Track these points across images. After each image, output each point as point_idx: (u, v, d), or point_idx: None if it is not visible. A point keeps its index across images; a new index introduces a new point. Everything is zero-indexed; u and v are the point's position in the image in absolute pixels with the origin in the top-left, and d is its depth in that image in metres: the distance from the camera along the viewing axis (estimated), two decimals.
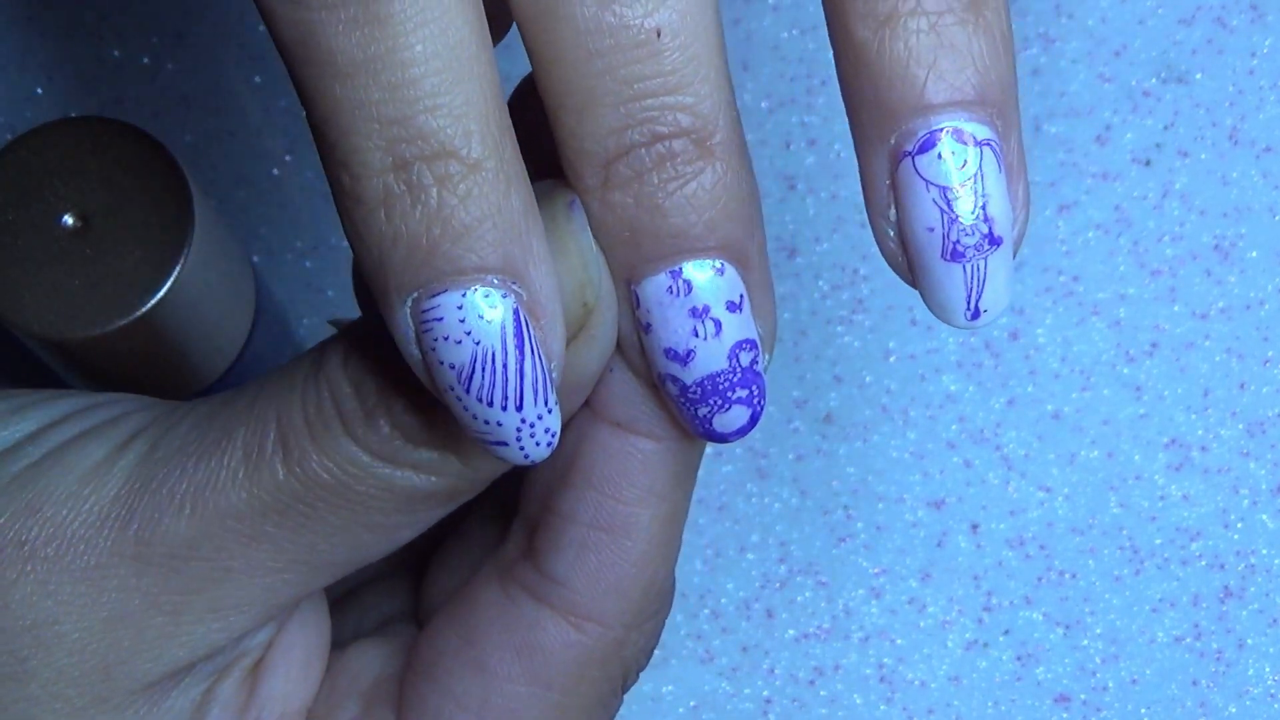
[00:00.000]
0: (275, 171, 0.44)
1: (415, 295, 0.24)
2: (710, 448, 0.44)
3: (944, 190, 0.24)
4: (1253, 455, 0.44)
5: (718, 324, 0.26)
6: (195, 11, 0.45)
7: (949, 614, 0.44)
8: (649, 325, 0.26)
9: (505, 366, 0.25)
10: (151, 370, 0.37)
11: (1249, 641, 0.44)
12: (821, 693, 0.44)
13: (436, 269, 0.24)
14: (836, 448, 0.44)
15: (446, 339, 0.24)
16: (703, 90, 0.25)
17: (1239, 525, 0.44)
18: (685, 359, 0.26)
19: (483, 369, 0.25)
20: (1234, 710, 0.44)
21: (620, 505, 0.28)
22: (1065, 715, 0.44)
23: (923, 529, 0.44)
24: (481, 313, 0.24)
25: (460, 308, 0.24)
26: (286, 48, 0.24)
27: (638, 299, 0.26)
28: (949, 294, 0.25)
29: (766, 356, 0.27)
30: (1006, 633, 0.44)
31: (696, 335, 0.26)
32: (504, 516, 0.31)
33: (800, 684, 0.44)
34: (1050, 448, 0.44)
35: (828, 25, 0.25)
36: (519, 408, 0.25)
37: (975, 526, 0.44)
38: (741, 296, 0.26)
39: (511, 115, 0.26)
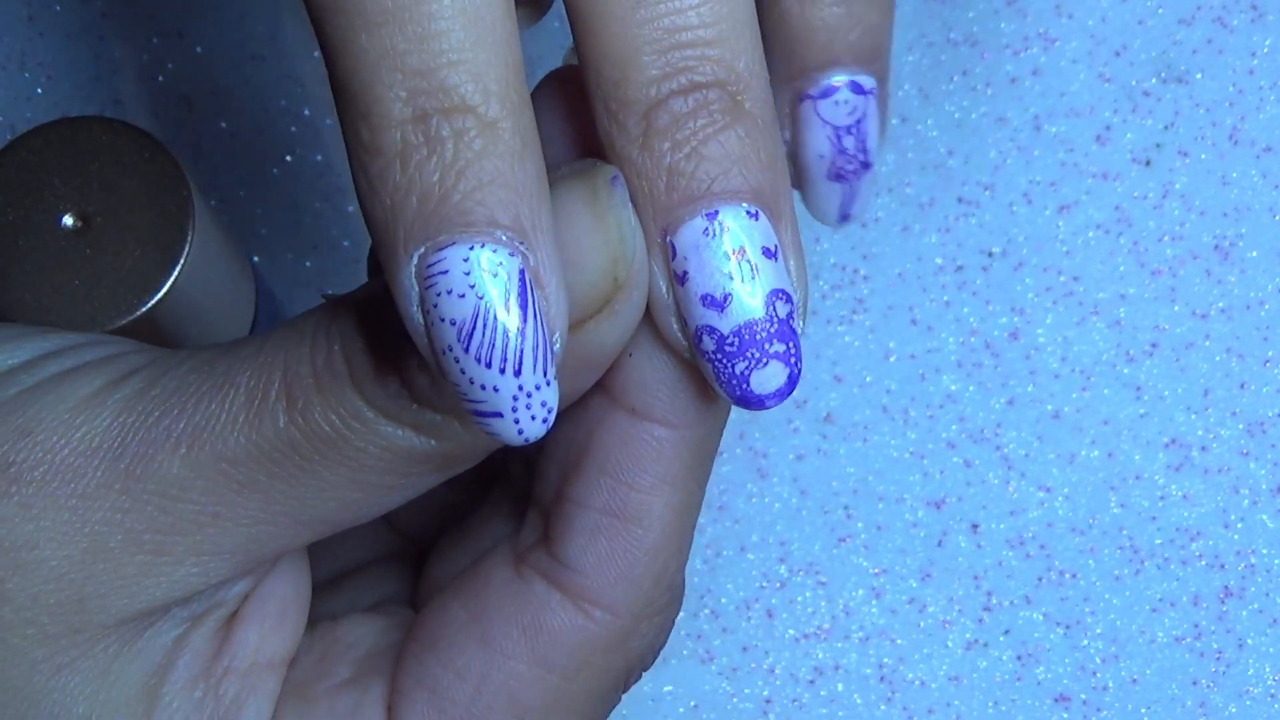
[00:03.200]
0: (275, 171, 0.44)
1: (422, 250, 0.24)
2: None
3: (835, 129, 0.29)
4: (1253, 455, 0.44)
5: (753, 267, 0.26)
6: (195, 11, 0.45)
7: (949, 614, 0.44)
8: (685, 273, 0.27)
9: (507, 327, 0.25)
10: None
11: (1249, 641, 0.44)
12: (821, 693, 0.44)
13: (446, 219, 0.24)
14: (836, 448, 0.44)
15: (449, 292, 0.24)
16: (738, 48, 0.26)
17: (1239, 525, 0.44)
18: (723, 304, 0.26)
19: (484, 326, 0.25)
20: (1234, 710, 0.44)
21: (633, 492, 0.28)
22: (1065, 715, 0.44)
23: (923, 529, 0.44)
24: (487, 267, 0.24)
25: (466, 260, 0.24)
26: (316, 1, 0.25)
27: (674, 249, 0.26)
28: (828, 205, 0.30)
29: (802, 322, 0.27)
30: (1006, 633, 0.44)
31: (733, 278, 0.26)
32: (512, 507, 0.31)
33: (800, 684, 0.44)
34: (1050, 448, 0.44)
35: None
36: (517, 373, 0.25)
37: (975, 526, 0.44)
38: (776, 246, 0.27)
39: (538, 103, 0.27)
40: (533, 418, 0.25)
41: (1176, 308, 0.44)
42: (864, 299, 0.44)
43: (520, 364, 0.25)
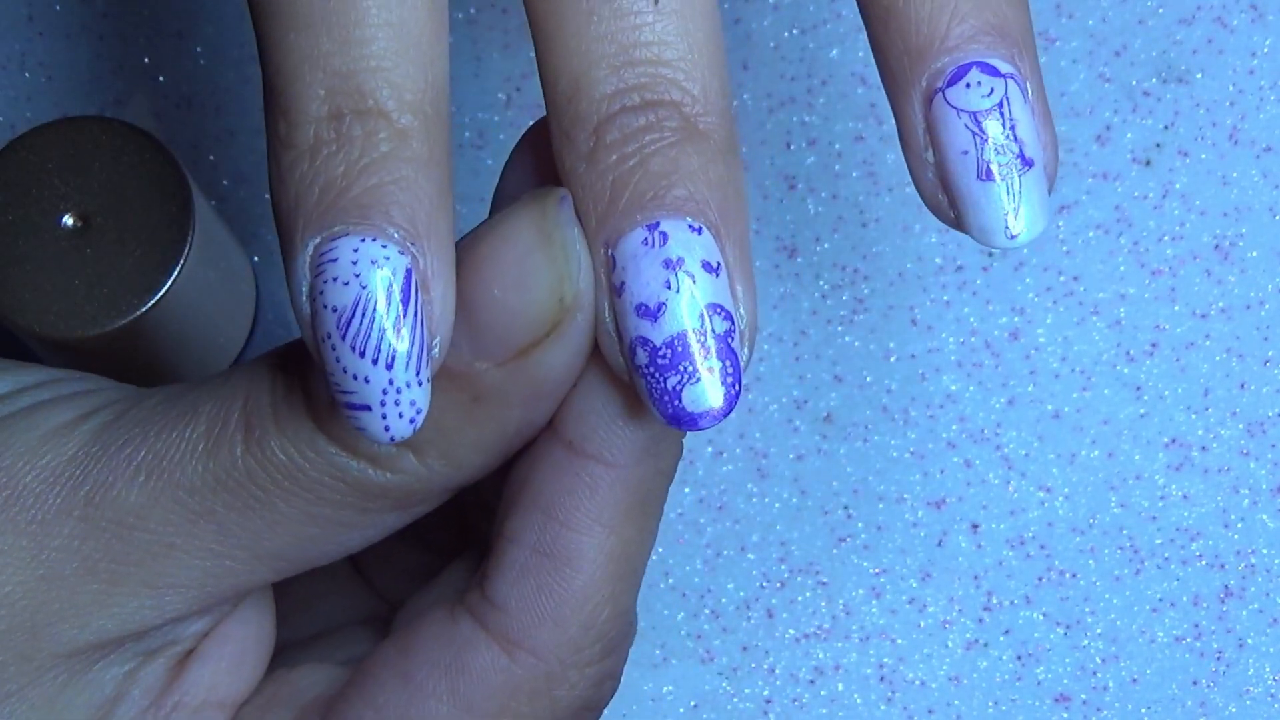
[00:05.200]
0: None
1: (317, 240, 0.25)
2: (711, 446, 0.44)
3: (974, 115, 0.26)
4: (1253, 455, 0.44)
5: (691, 277, 0.26)
6: (195, 11, 0.45)
7: (949, 614, 0.44)
8: (622, 284, 0.26)
9: (385, 319, 0.25)
10: (151, 370, 0.37)
11: (1249, 641, 0.44)
12: (821, 693, 0.44)
13: (343, 210, 0.25)
14: (836, 448, 0.44)
15: (335, 279, 0.25)
16: (695, 71, 0.26)
17: (1239, 525, 0.44)
18: (655, 313, 0.26)
19: (362, 315, 0.25)
20: (1234, 710, 0.44)
21: (564, 530, 0.28)
22: (1065, 715, 0.44)
23: (923, 529, 0.44)
24: (374, 258, 0.25)
25: (355, 250, 0.25)
26: (257, 10, 0.25)
27: (614, 261, 0.26)
28: (987, 214, 0.26)
29: (745, 349, 0.26)
30: (1006, 633, 0.44)
31: (668, 287, 0.26)
32: (477, 564, 0.31)
33: (800, 684, 0.44)
34: (1050, 448, 0.44)
35: None
36: (389, 366, 0.25)
37: (975, 526, 0.44)
38: (719, 264, 0.26)
39: (523, 149, 0.27)
40: (400, 415, 0.25)
41: (1176, 308, 0.44)
42: (864, 299, 0.44)
43: (393, 359, 0.25)
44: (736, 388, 0.26)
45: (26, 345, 0.36)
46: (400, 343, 0.25)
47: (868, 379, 0.44)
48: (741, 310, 0.26)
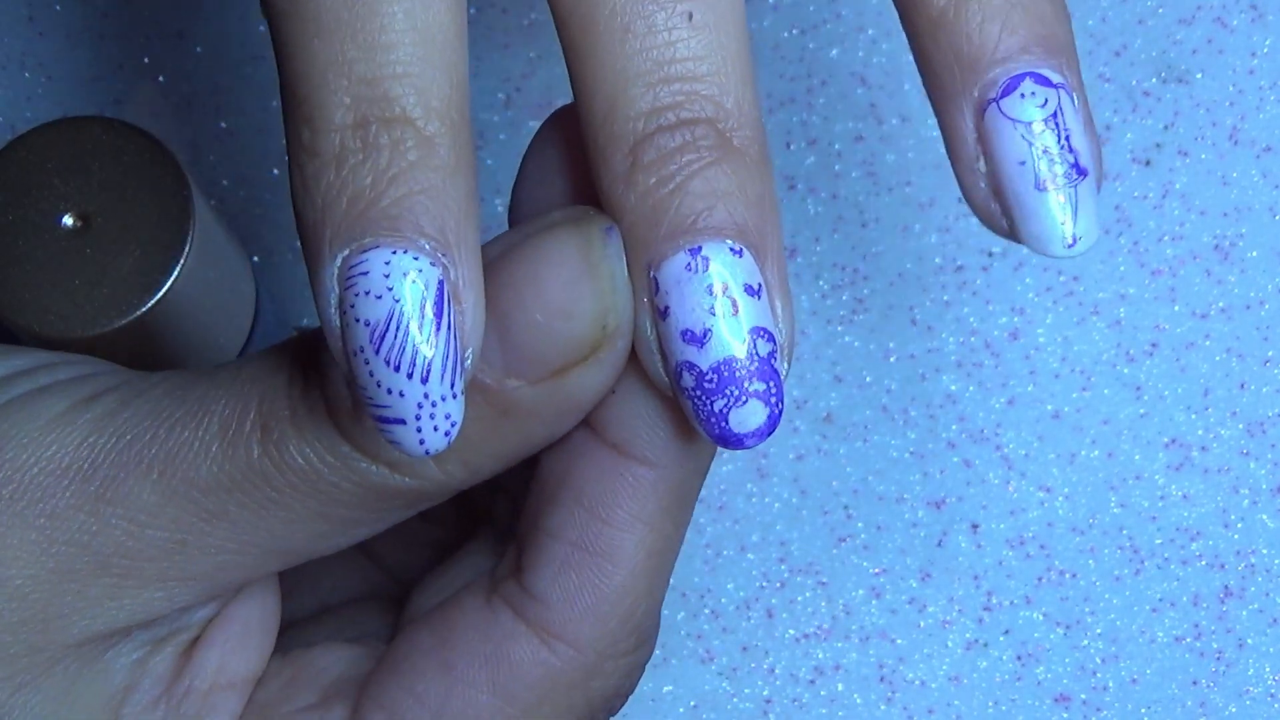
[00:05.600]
0: (275, 171, 0.44)
1: (346, 252, 0.25)
2: None
3: (1029, 125, 0.26)
4: (1253, 455, 0.44)
5: (734, 303, 0.26)
6: (195, 11, 0.45)
7: (949, 614, 0.44)
8: (667, 308, 0.26)
9: (419, 333, 0.25)
10: (151, 370, 0.37)
11: (1249, 641, 0.44)
12: (821, 693, 0.44)
13: (372, 222, 0.25)
14: (836, 448, 0.44)
15: (367, 293, 0.25)
16: (728, 85, 0.26)
17: (1239, 525, 0.44)
18: (702, 339, 0.26)
19: (396, 329, 0.25)
20: (1234, 710, 0.44)
21: (606, 527, 0.28)
22: (1065, 715, 0.44)
23: (923, 529, 0.44)
24: (407, 271, 0.25)
25: (387, 263, 0.25)
26: (273, 3, 0.25)
27: (657, 284, 0.26)
28: (1045, 224, 0.27)
29: (785, 364, 0.27)
30: (1006, 633, 0.44)
31: (713, 313, 0.26)
32: (495, 544, 0.31)
33: (800, 684, 0.44)
34: (1050, 448, 0.44)
35: (896, 4, 0.27)
36: (424, 379, 0.25)
37: (975, 526, 0.44)
38: (760, 285, 0.26)
39: (542, 140, 0.28)
40: (435, 428, 0.25)
41: (1176, 308, 0.44)
42: (864, 299, 0.44)
43: (428, 372, 0.25)
44: (780, 406, 0.27)
45: (26, 345, 0.36)
46: (435, 356, 0.25)
47: (868, 379, 0.44)
48: (781, 328, 0.27)
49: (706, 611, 0.44)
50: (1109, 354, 0.44)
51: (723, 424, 0.26)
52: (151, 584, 0.28)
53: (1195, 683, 0.44)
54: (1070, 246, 0.27)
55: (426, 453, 0.25)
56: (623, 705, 0.30)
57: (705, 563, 0.44)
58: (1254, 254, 0.44)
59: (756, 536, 0.44)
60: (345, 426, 0.27)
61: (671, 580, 0.44)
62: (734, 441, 0.27)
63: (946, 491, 0.44)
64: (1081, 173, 0.27)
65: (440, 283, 0.25)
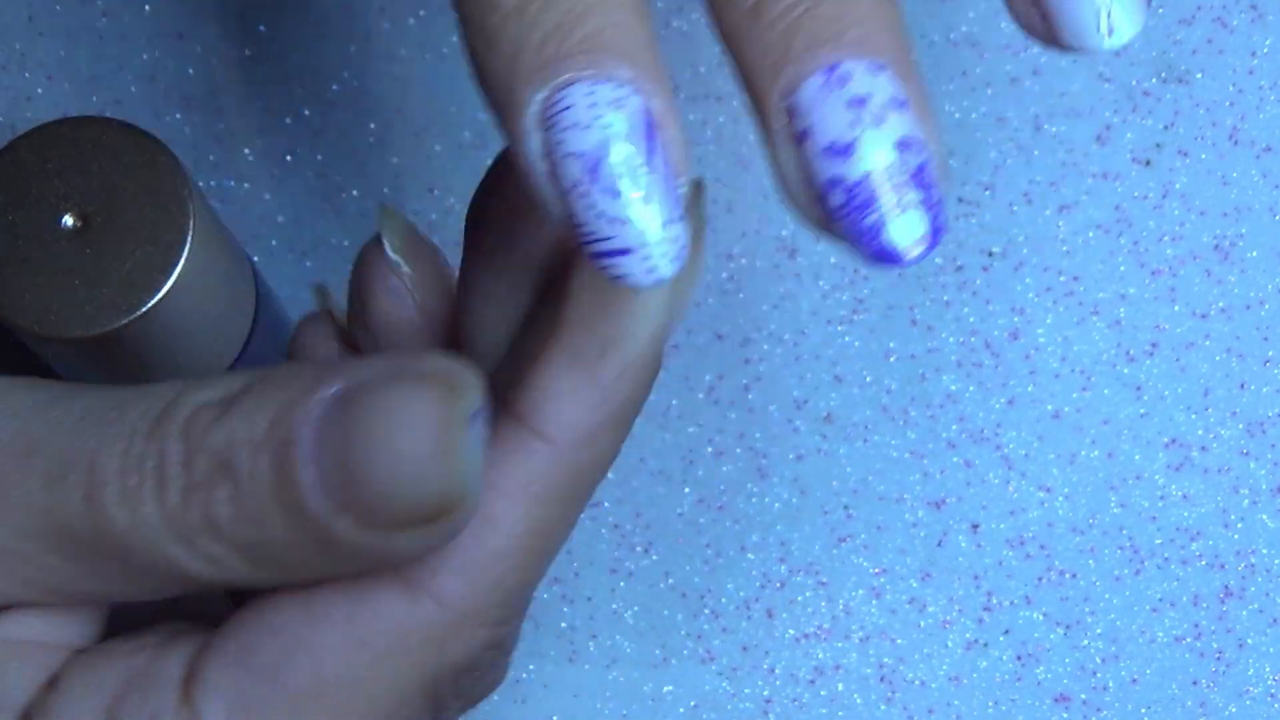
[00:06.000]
0: (275, 171, 0.44)
1: (544, 93, 0.25)
2: (711, 446, 0.44)
3: None
4: (1253, 455, 0.44)
5: (879, 116, 0.25)
6: (195, 11, 0.45)
7: (949, 614, 0.44)
8: (805, 130, 0.25)
9: (647, 155, 0.25)
10: (152, 370, 0.37)
11: (1249, 641, 0.44)
12: (821, 693, 0.44)
13: (569, 57, 0.25)
14: (836, 448, 0.44)
15: (574, 125, 0.24)
16: None
17: (1239, 525, 0.44)
18: (847, 150, 0.25)
19: (616, 151, 0.25)
20: (1234, 710, 0.44)
21: (491, 492, 0.28)
22: (1065, 715, 0.44)
23: (923, 529, 0.44)
24: (619, 98, 0.24)
25: (591, 94, 0.24)
26: None
27: (793, 110, 0.25)
28: (1079, 17, 0.25)
29: (941, 180, 0.25)
30: (1006, 633, 0.44)
31: (857, 124, 0.25)
32: None
33: (800, 684, 0.44)
34: (1050, 448, 0.44)
35: None
36: (649, 201, 0.25)
37: (975, 526, 0.44)
38: (905, 100, 0.25)
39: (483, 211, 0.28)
40: (666, 255, 0.25)
41: (1176, 308, 0.44)
42: (864, 299, 0.44)
43: (658, 193, 0.25)
44: (942, 218, 0.25)
45: (28, 345, 0.36)
46: (655, 178, 0.24)
47: (868, 379, 0.44)
48: (934, 143, 0.25)
49: (706, 611, 0.44)
50: (1109, 354, 0.44)
51: (877, 240, 0.25)
52: None
53: (1195, 683, 0.44)
54: (1111, 32, 0.25)
55: (657, 281, 0.25)
56: (477, 693, 0.30)
57: (705, 563, 0.44)
58: (1254, 254, 0.44)
59: (756, 536, 0.44)
60: (172, 510, 0.26)
61: (671, 580, 0.44)
62: (892, 257, 0.25)
63: (946, 491, 0.44)
64: None
65: (646, 109, 0.25)
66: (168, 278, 0.35)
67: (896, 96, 0.25)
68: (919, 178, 0.25)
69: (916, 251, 0.25)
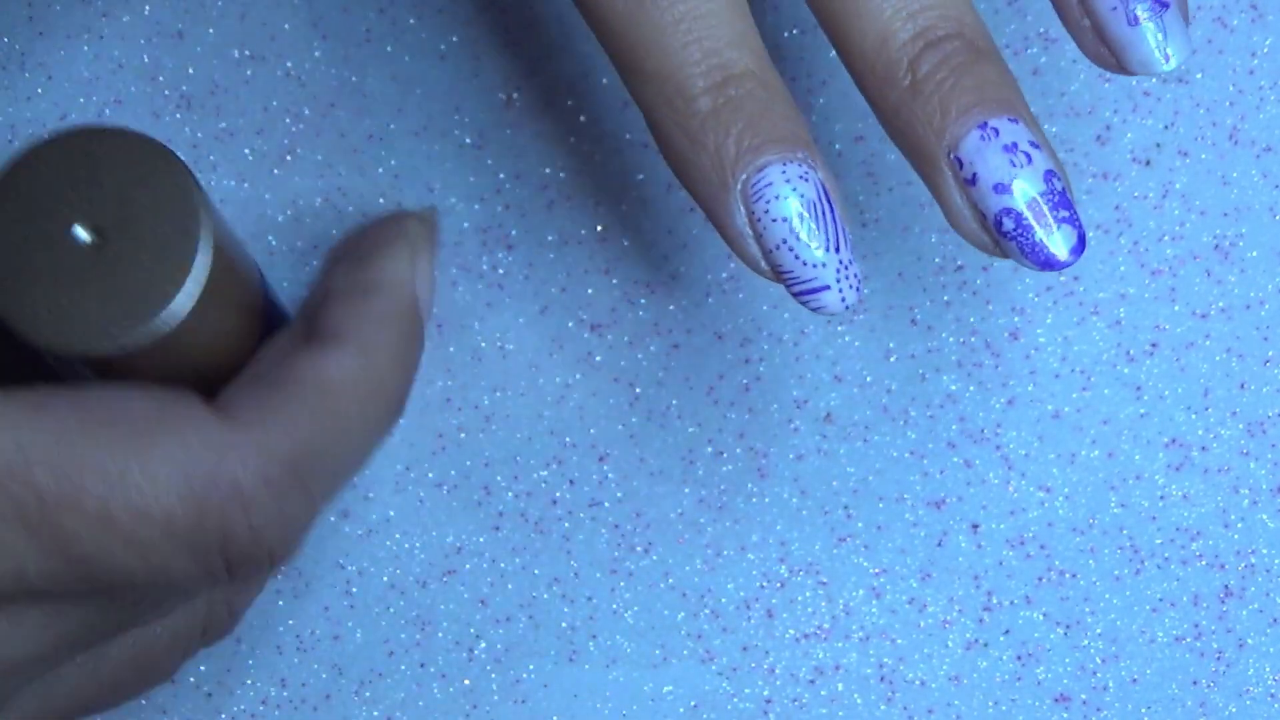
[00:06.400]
0: (275, 171, 0.44)
1: (744, 176, 0.33)
2: (711, 446, 0.44)
3: None
4: (1253, 455, 0.44)
5: (1028, 155, 0.33)
6: (195, 11, 0.45)
7: (949, 614, 0.44)
8: (974, 175, 0.33)
9: (826, 214, 0.33)
10: (166, 380, 0.37)
11: (1249, 641, 0.44)
12: (822, 692, 0.44)
13: (763, 147, 0.33)
14: (836, 448, 0.44)
15: (778, 197, 0.33)
16: (962, 6, 0.34)
17: (1239, 525, 0.44)
18: (1010, 187, 0.33)
19: (810, 213, 0.33)
20: (1234, 710, 0.44)
21: (290, 372, 0.34)
22: (1065, 715, 0.44)
23: (923, 529, 0.44)
24: (803, 173, 0.33)
25: (784, 171, 0.33)
26: (611, 20, 0.34)
27: (960, 162, 0.33)
28: (1143, 51, 0.34)
29: (1072, 198, 0.34)
30: (1006, 633, 0.44)
31: (1014, 165, 0.33)
32: None
33: (800, 684, 0.44)
34: (1050, 448, 0.44)
35: None
36: (838, 249, 0.33)
37: (975, 526, 0.44)
38: (1037, 142, 0.33)
39: None
40: (853, 287, 0.34)
41: (1176, 308, 0.44)
42: (864, 299, 0.44)
43: (839, 241, 0.34)
44: (1083, 229, 0.34)
45: (46, 360, 0.36)
46: (839, 230, 0.34)
47: (868, 379, 0.44)
48: (1063, 173, 0.34)
49: (706, 611, 0.44)
50: (1109, 354, 0.44)
51: (1044, 254, 0.33)
52: None
53: (1195, 683, 0.44)
54: (1168, 60, 0.34)
55: (846, 307, 0.34)
56: (249, 562, 0.32)
57: (705, 563, 0.44)
58: (1254, 254, 0.44)
59: (756, 536, 0.44)
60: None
61: (671, 580, 0.44)
62: (1059, 264, 0.33)
63: (946, 491, 0.44)
64: (1163, 5, 0.34)
65: (820, 181, 0.34)
66: (179, 289, 0.35)
67: (1033, 140, 0.33)
68: (1063, 200, 0.33)
69: (1072, 257, 0.33)
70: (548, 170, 0.44)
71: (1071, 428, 0.44)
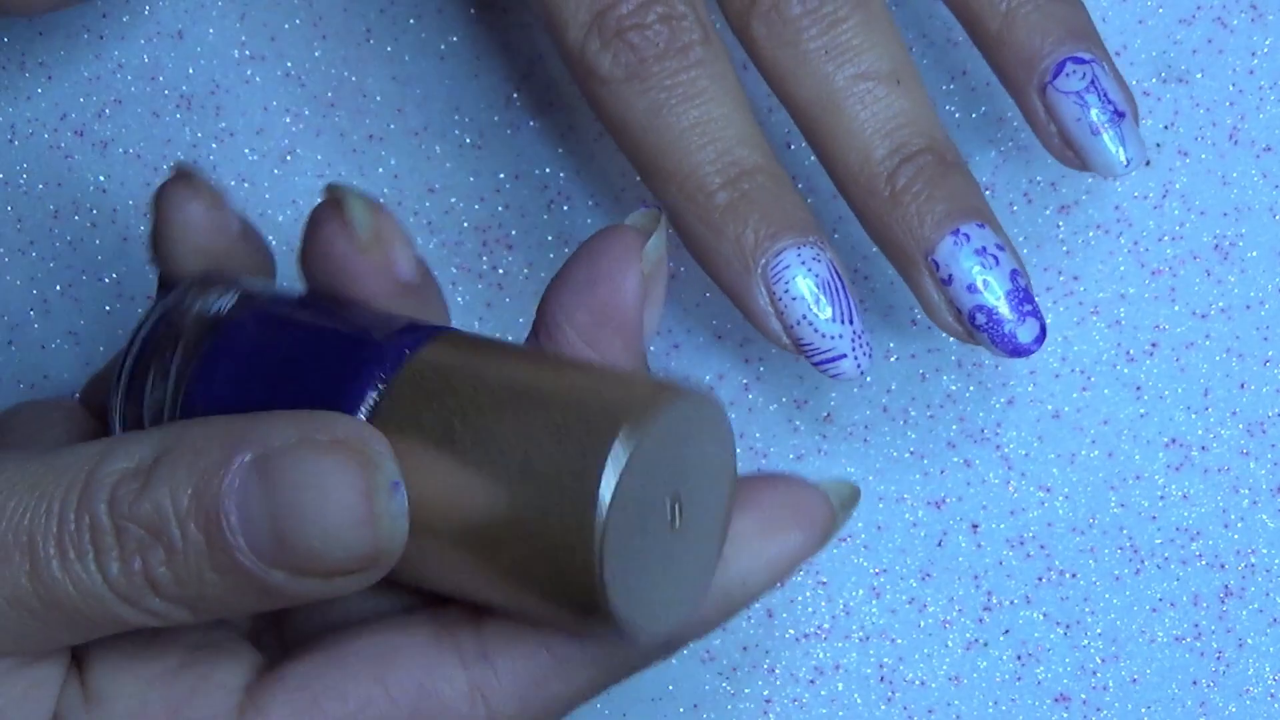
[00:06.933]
0: (276, 171, 0.44)
1: (764, 261, 0.37)
2: None
3: (1077, 93, 0.38)
4: (1253, 455, 0.44)
5: (995, 258, 0.37)
6: (195, 11, 0.45)
7: (949, 614, 0.44)
8: (950, 276, 0.37)
9: (838, 291, 0.37)
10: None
11: (1249, 641, 0.44)
12: (822, 693, 0.44)
13: (780, 234, 0.37)
14: (836, 448, 0.44)
15: (795, 277, 0.37)
16: (932, 122, 0.38)
17: (1239, 525, 0.44)
18: (984, 286, 0.37)
19: (825, 290, 0.37)
20: (1234, 710, 0.44)
21: (565, 646, 0.30)
22: (1065, 715, 0.44)
23: (923, 529, 0.44)
24: (815, 255, 0.37)
25: (799, 254, 0.37)
26: (630, 128, 0.38)
27: (937, 265, 0.37)
28: (1105, 157, 0.38)
29: (1031, 291, 0.38)
30: (1006, 632, 0.44)
31: (984, 267, 0.37)
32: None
33: (800, 684, 0.44)
34: (1050, 447, 0.44)
35: (959, 19, 0.39)
36: (851, 321, 0.38)
37: (975, 526, 0.44)
38: (1002, 245, 0.38)
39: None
40: (867, 355, 0.38)
41: (1176, 308, 0.44)
42: (864, 299, 0.44)
43: (851, 314, 0.38)
44: (1042, 319, 0.38)
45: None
46: (851, 303, 0.38)
47: (868, 379, 0.44)
48: (1022, 269, 0.38)
49: None
50: (1109, 354, 0.44)
51: (1014, 341, 0.38)
52: None
53: (1195, 683, 0.44)
54: (1126, 165, 0.38)
55: (861, 373, 0.38)
56: None
57: None
58: (1254, 254, 0.44)
59: None
60: (112, 576, 0.28)
61: None
62: (1025, 350, 0.38)
63: (946, 491, 0.44)
64: (1120, 115, 0.38)
65: (830, 260, 0.38)
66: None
67: (998, 243, 0.38)
68: (1026, 295, 0.38)
69: (1035, 345, 0.38)
70: (548, 170, 0.44)
71: (1071, 428, 0.44)
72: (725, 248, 0.37)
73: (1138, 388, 0.44)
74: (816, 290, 0.37)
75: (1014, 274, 0.37)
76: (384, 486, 0.28)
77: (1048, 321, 0.44)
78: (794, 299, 0.37)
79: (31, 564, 0.28)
